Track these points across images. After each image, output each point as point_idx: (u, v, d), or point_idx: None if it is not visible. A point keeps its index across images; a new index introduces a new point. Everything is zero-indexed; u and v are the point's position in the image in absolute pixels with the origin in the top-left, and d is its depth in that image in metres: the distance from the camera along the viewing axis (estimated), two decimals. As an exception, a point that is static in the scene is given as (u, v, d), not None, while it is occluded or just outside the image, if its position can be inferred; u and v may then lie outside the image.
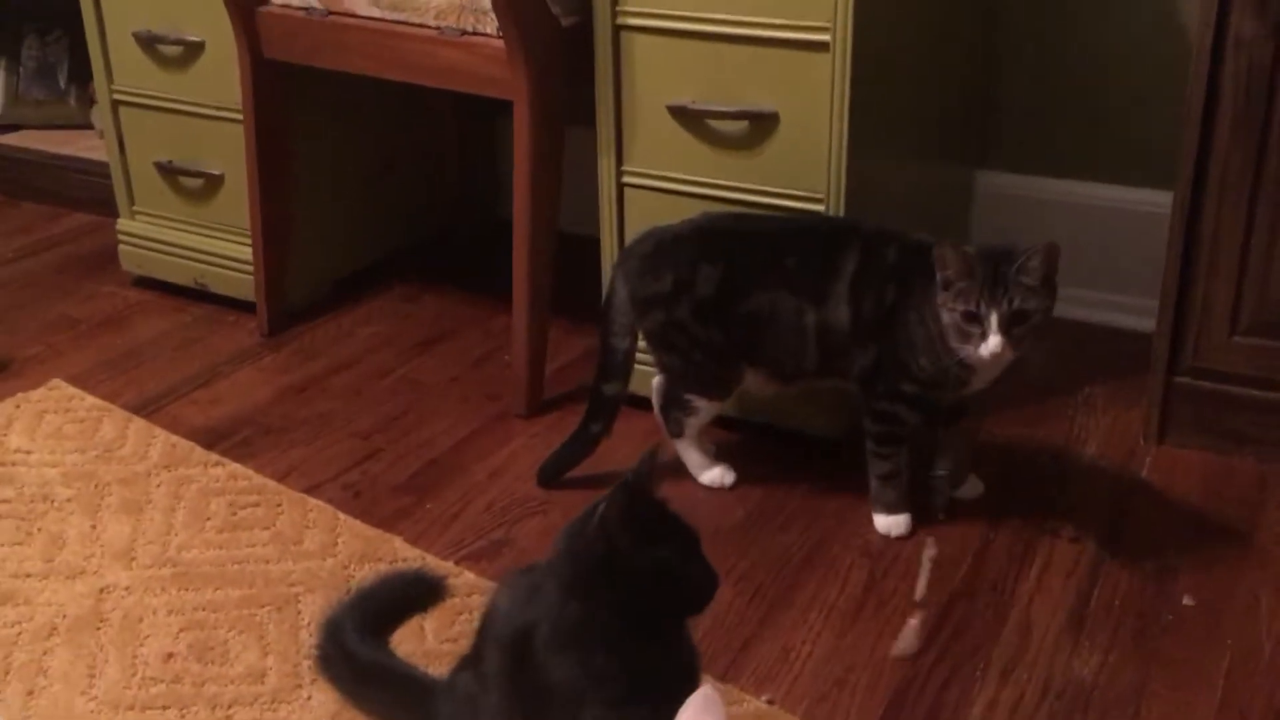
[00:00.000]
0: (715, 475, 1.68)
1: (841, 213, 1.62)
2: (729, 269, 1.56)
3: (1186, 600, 1.43)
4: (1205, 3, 1.51)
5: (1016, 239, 1.46)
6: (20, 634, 1.39)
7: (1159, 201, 1.90)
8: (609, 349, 1.65)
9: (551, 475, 1.68)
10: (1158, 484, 1.66)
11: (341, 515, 1.60)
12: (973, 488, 1.64)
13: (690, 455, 1.68)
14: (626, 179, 1.76)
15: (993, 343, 1.39)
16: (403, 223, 2.38)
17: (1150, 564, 1.50)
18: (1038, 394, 1.89)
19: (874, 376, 1.53)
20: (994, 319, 1.38)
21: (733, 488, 1.68)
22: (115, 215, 2.29)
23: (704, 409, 1.63)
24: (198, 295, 2.22)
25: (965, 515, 1.60)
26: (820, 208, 1.63)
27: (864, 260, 1.51)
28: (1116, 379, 1.90)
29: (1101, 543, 1.55)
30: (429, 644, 1.38)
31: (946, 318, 1.42)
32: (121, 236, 2.28)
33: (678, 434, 1.67)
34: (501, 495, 1.67)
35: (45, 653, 1.36)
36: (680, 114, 1.68)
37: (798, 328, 1.54)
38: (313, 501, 1.63)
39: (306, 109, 2.08)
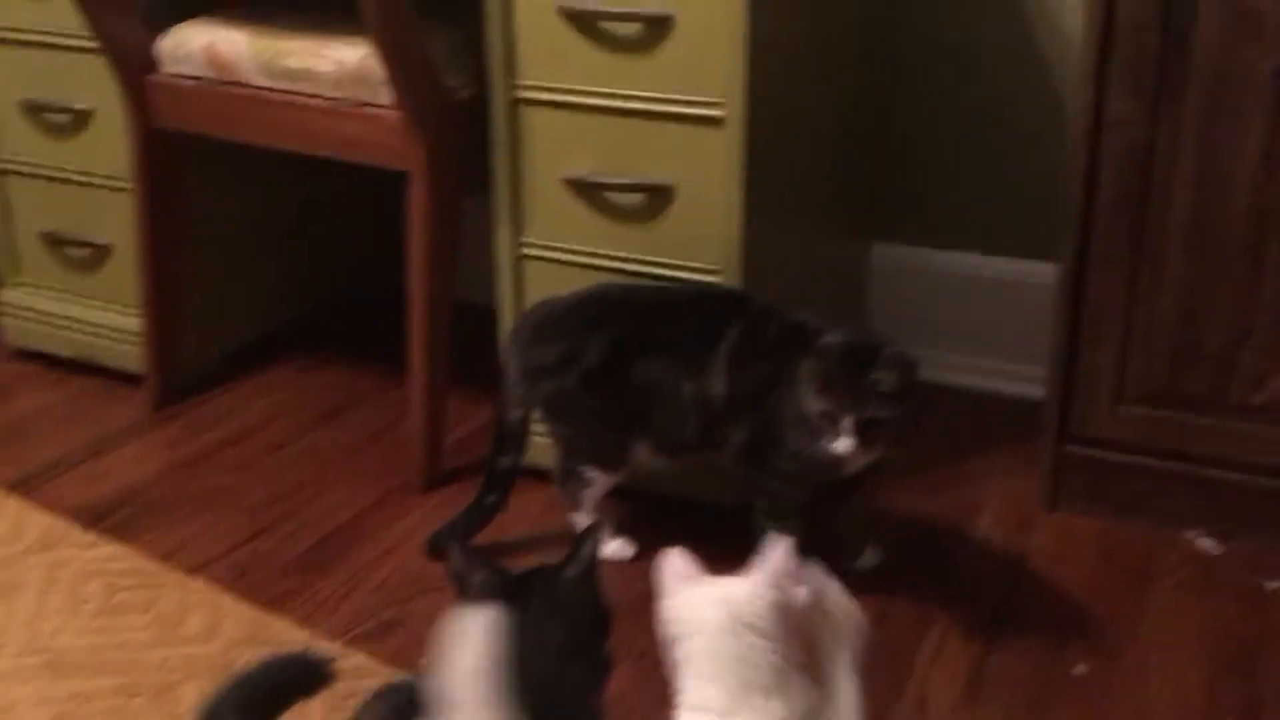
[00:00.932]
0: (614, 548, 1.66)
1: (739, 285, 1.63)
2: (617, 338, 1.56)
3: (1079, 669, 1.44)
4: (1083, 84, 1.56)
5: (886, 332, 1.48)
6: (-127, 730, 1.31)
7: (1047, 273, 1.95)
8: (502, 421, 1.64)
9: (441, 547, 1.65)
10: (1051, 552, 1.68)
11: (226, 597, 1.55)
12: (870, 558, 1.64)
13: None
14: (524, 250, 1.76)
15: (844, 444, 1.40)
16: (302, 291, 2.34)
17: (1044, 633, 1.51)
18: (935, 462, 1.91)
19: (752, 453, 1.54)
20: (847, 422, 1.39)
21: (633, 560, 1.66)
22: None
23: (599, 481, 1.61)
24: (83, 368, 2.16)
25: (862, 586, 1.59)
26: (717, 279, 1.64)
27: (744, 334, 1.52)
28: (1011, 447, 1.93)
29: (997, 612, 1.56)
30: (314, 731, 1.33)
31: (807, 409, 1.43)
32: (3, 307, 2.21)
33: (574, 507, 1.65)
34: (395, 573, 1.63)
35: (-101, 750, 1.29)
36: (577, 186, 1.69)
37: (679, 398, 1.54)
38: (196, 583, 1.58)
39: (201, 176, 2.05)
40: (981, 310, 2.12)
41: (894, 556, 1.66)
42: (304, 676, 1.32)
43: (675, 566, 1.09)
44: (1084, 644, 1.49)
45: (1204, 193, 1.55)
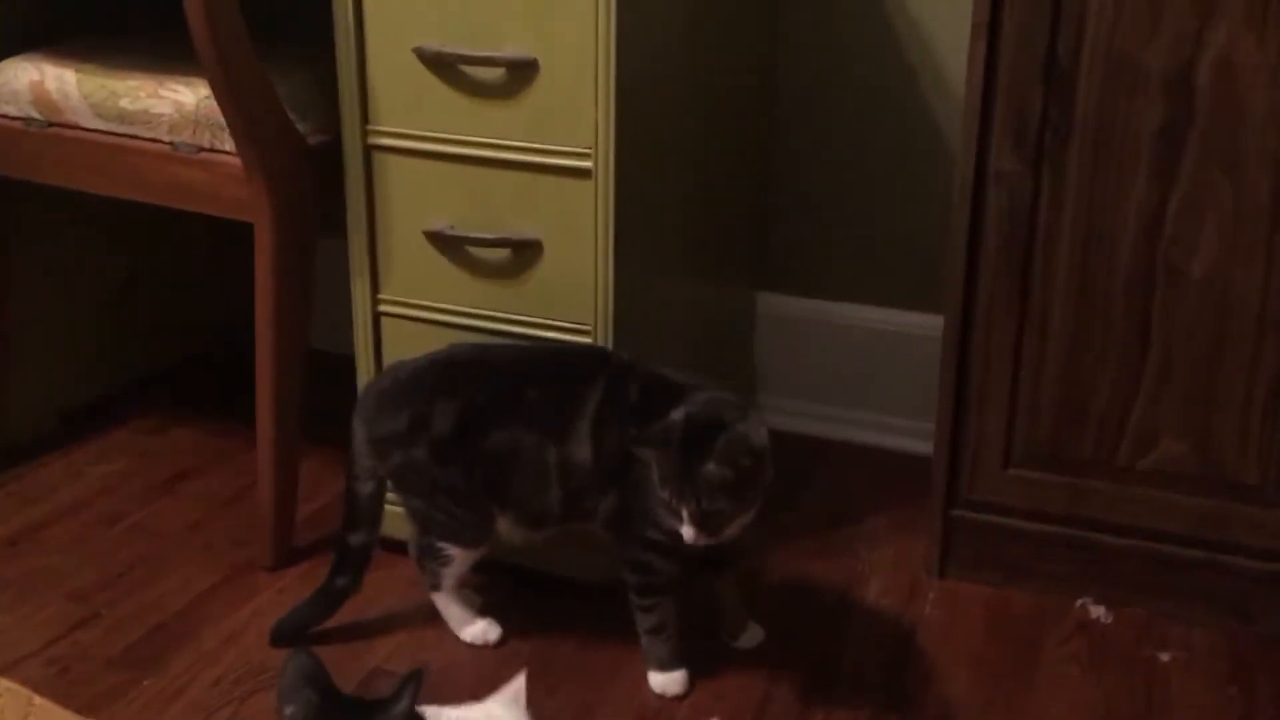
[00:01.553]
0: (478, 631, 1.54)
1: (610, 343, 1.52)
2: (468, 404, 1.44)
3: (969, 756, 1.37)
4: (966, 137, 1.50)
5: (738, 401, 1.40)
6: None
7: (937, 325, 1.89)
8: (352, 495, 1.51)
9: (286, 636, 1.51)
10: (940, 623, 1.60)
11: (37, 700, 1.39)
12: (752, 636, 1.55)
13: (450, 610, 1.54)
14: (382, 307, 1.63)
15: (687, 533, 1.32)
16: (145, 347, 2.17)
17: (931, 710, 1.43)
18: (822, 522, 1.83)
19: (620, 524, 1.44)
20: (685, 513, 1.32)
21: (498, 644, 1.54)
22: None
23: (458, 557, 1.49)
24: (-101, 432, 1.96)
25: (745, 667, 1.50)
26: (587, 338, 1.54)
27: (606, 396, 1.42)
28: (900, 504, 1.86)
29: (884, 693, 1.47)
30: None
31: (658, 493, 1.35)
32: None
33: (435, 586, 1.52)
34: (235, 665, 1.49)
35: None
36: (438, 240, 1.57)
37: (540, 467, 1.43)
38: (3, 683, 1.41)
39: (29, 222, 1.88)
40: (871, 363, 2.05)
41: (777, 632, 1.56)
42: None
43: None
44: (973, 726, 1.41)
45: (1089, 248, 1.50)
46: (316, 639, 1.51)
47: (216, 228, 2.16)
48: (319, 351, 1.77)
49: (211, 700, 1.42)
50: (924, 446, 1.92)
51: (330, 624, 1.53)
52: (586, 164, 1.47)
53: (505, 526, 1.49)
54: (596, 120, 1.45)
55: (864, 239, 2.04)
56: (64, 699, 1.40)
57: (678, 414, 1.35)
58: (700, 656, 1.49)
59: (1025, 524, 1.63)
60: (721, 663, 1.51)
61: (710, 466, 1.29)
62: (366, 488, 1.51)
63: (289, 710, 0.94)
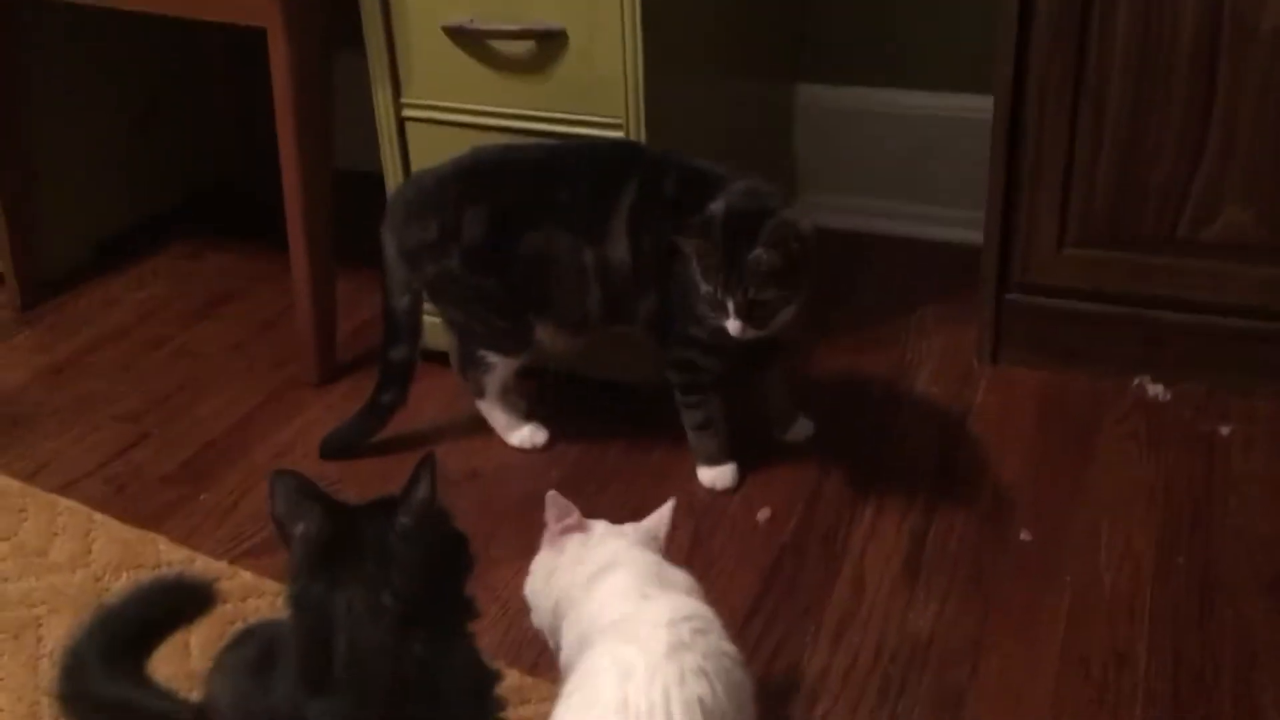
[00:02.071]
0: (524, 435, 1.53)
1: (644, 138, 1.46)
2: (497, 208, 1.39)
3: (1024, 536, 1.35)
4: (1016, -111, 1.39)
5: (778, 191, 1.34)
6: None
7: (984, 106, 1.80)
8: (389, 310, 1.49)
9: (336, 451, 1.52)
10: (993, 409, 1.57)
11: (97, 516, 1.41)
12: (802, 429, 1.53)
13: (495, 416, 1.53)
14: (406, 111, 1.57)
15: (733, 326, 1.28)
16: (177, 174, 2.13)
17: (986, 499, 1.41)
18: (869, 317, 1.78)
19: (662, 322, 1.40)
20: (731, 306, 1.27)
21: (546, 447, 1.54)
22: None
23: (500, 365, 1.47)
24: (-63, 268, 1.96)
25: (795, 460, 1.49)
26: (619, 133, 1.47)
27: (642, 192, 1.36)
28: (950, 296, 1.81)
29: (936, 479, 1.45)
30: (194, 663, 1.20)
31: (701, 288, 1.30)
32: None
33: (479, 394, 1.51)
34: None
35: None
36: (458, 35, 1.50)
37: (577, 268, 1.39)
38: (64, 503, 1.43)
39: (45, 47, 1.83)
40: (918, 151, 1.97)
41: (827, 426, 1.54)
42: (180, 604, 1.20)
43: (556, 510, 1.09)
44: (1028, 509, 1.39)
45: (1149, 8, 1.40)
46: (367, 451, 1.52)
47: (235, 50, 2.11)
48: (347, 171, 1.72)
49: (265, 511, 1.42)
50: (975, 236, 1.85)
51: (379, 437, 1.53)
52: (609, -58, 1.38)
53: (546, 333, 1.46)
54: (618, -108, 1.35)
55: (905, 19, 1.93)
56: (123, 515, 1.42)
57: (717, 205, 1.30)
58: (750, 451, 1.48)
59: (1080, 305, 1.58)
60: (772, 456, 1.50)
61: (758, 252, 1.24)
62: (403, 301, 1.48)
63: (300, 528, 0.92)
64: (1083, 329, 1.59)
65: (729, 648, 0.95)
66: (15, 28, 1.76)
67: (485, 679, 0.95)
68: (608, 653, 0.92)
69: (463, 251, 1.40)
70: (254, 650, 0.96)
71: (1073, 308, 1.58)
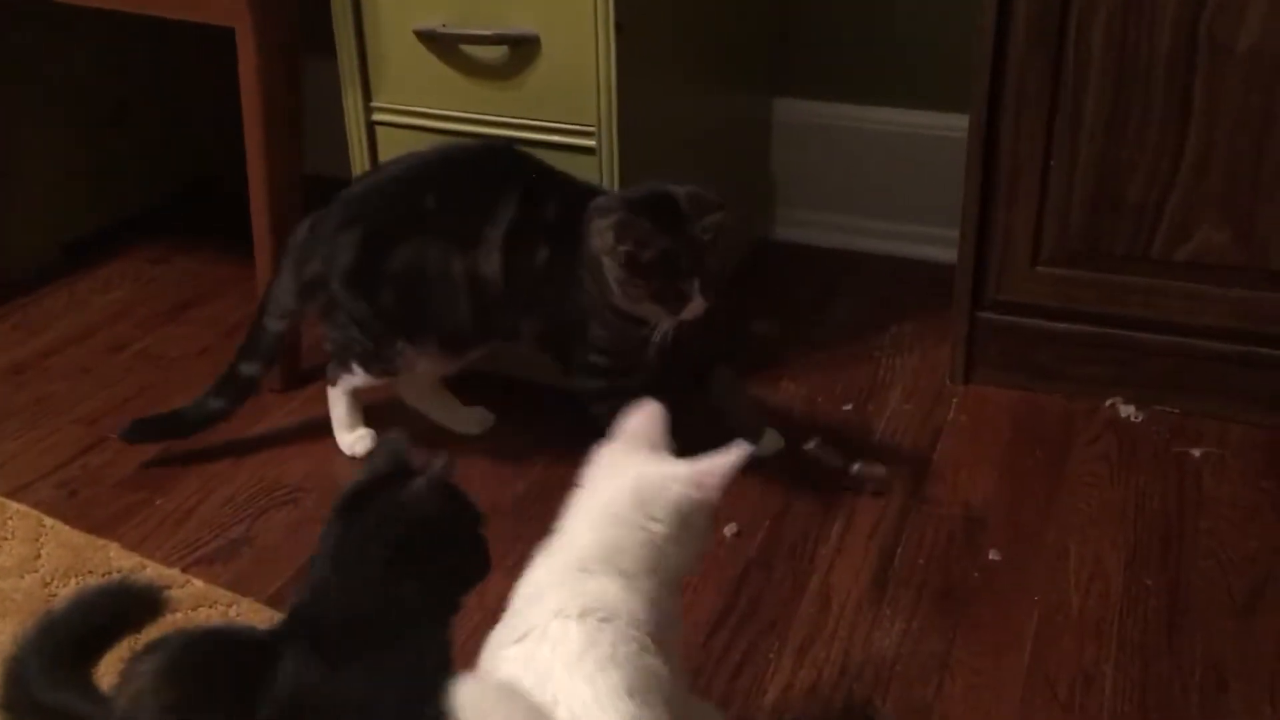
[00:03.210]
0: (350, 440, 1.51)
1: (616, 149, 1.45)
2: (366, 229, 1.38)
3: (993, 555, 1.33)
4: (994, -97, 1.38)
5: (654, 185, 1.33)
6: None
7: (960, 125, 1.79)
8: (259, 327, 1.49)
9: (139, 436, 1.49)
10: (965, 427, 1.56)
11: (48, 521, 1.37)
12: (770, 443, 1.51)
13: (336, 410, 1.52)
14: (376, 115, 1.56)
15: (696, 305, 1.28)
16: (143, 178, 2.10)
17: (956, 517, 1.39)
18: (843, 335, 1.77)
19: (556, 348, 1.39)
20: (696, 284, 1.27)
21: (513, 457, 1.51)
22: None
23: (360, 377, 1.47)
24: (-102, 267, 1.93)
25: (763, 476, 1.47)
26: (591, 142, 1.46)
27: (524, 209, 1.35)
28: (924, 314, 1.80)
29: (906, 496, 1.43)
30: (142, 670, 1.17)
31: (633, 292, 1.28)
32: None
33: (332, 382, 1.51)
34: (247, 484, 1.47)
35: None
36: (430, 40, 1.48)
37: (446, 276, 1.36)
38: (14, 506, 1.40)
39: (15, 43, 1.80)
40: (895, 169, 1.96)
41: (798, 442, 1.52)
42: (125, 609, 1.17)
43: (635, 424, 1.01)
44: (998, 528, 1.37)
45: (1126, 23, 1.39)
46: (326, 465, 1.49)
47: (208, 53, 2.08)
48: (316, 176, 1.70)
49: (223, 518, 1.41)
50: (950, 254, 1.85)
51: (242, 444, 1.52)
52: (584, -53, 1.37)
53: (425, 356, 1.44)
54: (592, -103, 1.34)
55: (884, 35, 1.92)
56: (75, 520, 1.39)
57: (611, 201, 1.30)
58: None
59: (1054, 324, 1.57)
60: (740, 472, 1.47)
61: (716, 216, 1.26)
62: (278, 325, 1.49)
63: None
64: (1056, 348, 1.58)
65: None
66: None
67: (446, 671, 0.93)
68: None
69: (340, 277, 1.39)
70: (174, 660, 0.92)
71: (1046, 327, 1.57)
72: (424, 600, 0.94)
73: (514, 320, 1.38)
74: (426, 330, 1.41)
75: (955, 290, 1.59)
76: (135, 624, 1.19)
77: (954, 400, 1.61)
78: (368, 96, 1.54)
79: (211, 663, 0.89)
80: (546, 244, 1.34)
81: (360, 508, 0.94)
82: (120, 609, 1.17)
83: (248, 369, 1.49)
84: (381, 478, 0.95)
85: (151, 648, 0.90)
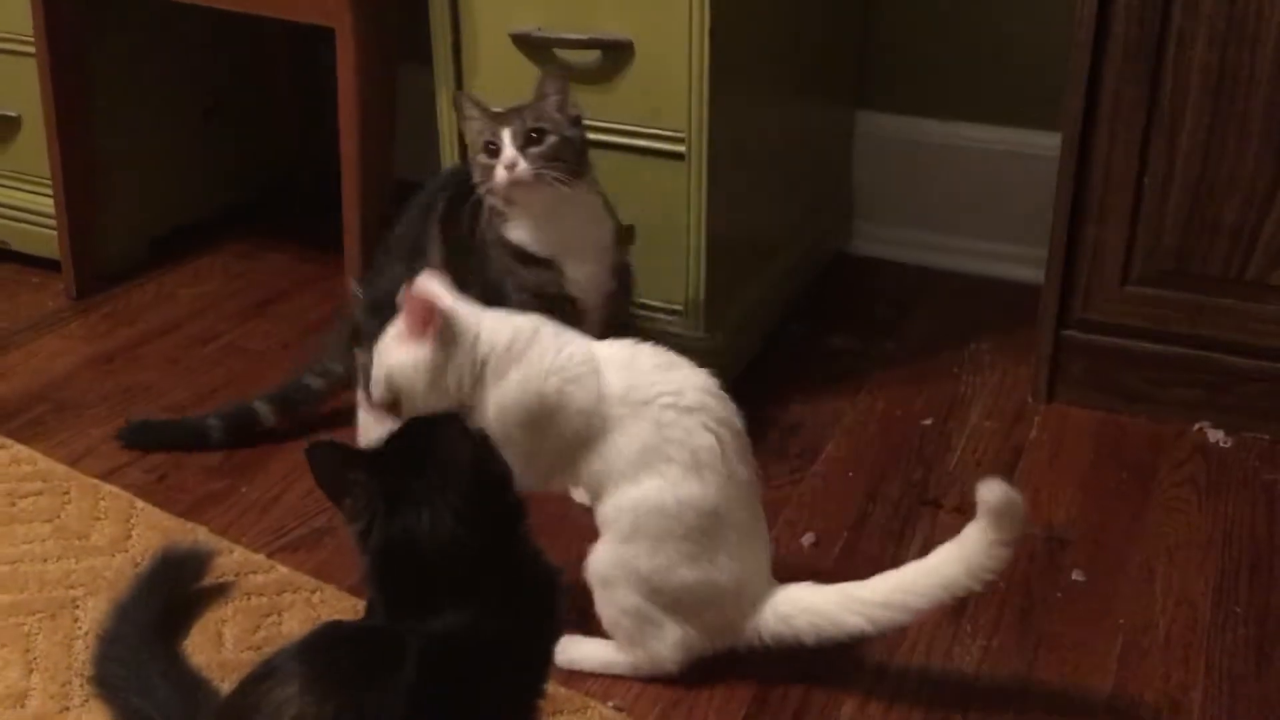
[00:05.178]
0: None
1: (705, 152, 1.45)
2: (375, 271, 1.46)
3: (1076, 575, 1.31)
4: (1095, -82, 1.37)
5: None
6: None
7: (1048, 144, 1.78)
8: (298, 384, 1.56)
9: (136, 440, 1.52)
10: (1047, 446, 1.54)
11: (139, 503, 1.40)
12: None
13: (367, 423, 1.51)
14: (468, 117, 1.57)
15: (506, 156, 1.29)
16: (234, 173, 2.15)
17: (1038, 536, 1.38)
18: (922, 351, 1.76)
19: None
20: (506, 135, 1.29)
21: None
22: (-98, 164, 2.03)
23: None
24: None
25: (842, 487, 1.46)
26: (680, 148, 1.47)
27: (452, 198, 1.41)
28: (1005, 332, 1.78)
29: (987, 513, 1.42)
30: (227, 653, 1.19)
31: (475, 165, 1.33)
32: (-92, 188, 2.02)
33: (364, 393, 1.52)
34: (329, 475, 1.48)
35: None
36: (525, 43, 1.50)
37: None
38: (107, 488, 1.43)
39: (114, 42, 1.85)
40: (978, 185, 1.95)
41: (876, 453, 1.52)
42: (180, 576, 1.21)
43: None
44: (1081, 549, 1.36)
45: (1227, 43, 1.37)
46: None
47: (297, 53, 2.12)
48: (406, 182, 1.72)
49: (306, 507, 1.43)
50: (1031, 273, 1.84)
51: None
52: (681, -45, 1.38)
53: None
54: (692, -94, 1.35)
55: (970, 52, 1.91)
56: (164, 504, 1.41)
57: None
58: (798, 474, 1.45)
59: (1142, 345, 1.54)
60: (818, 481, 1.47)
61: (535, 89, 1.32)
62: (315, 382, 1.55)
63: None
64: (1143, 370, 1.56)
65: None
66: (85, 22, 1.78)
67: (553, 571, 0.97)
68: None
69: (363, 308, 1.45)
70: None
71: (1133, 347, 1.55)
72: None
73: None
74: None
75: (1040, 307, 1.58)
76: (191, 585, 1.22)
77: (1036, 419, 1.59)
78: (460, 98, 1.57)
79: (352, 668, 0.87)
80: (469, 211, 1.39)
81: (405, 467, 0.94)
82: (175, 576, 1.20)
83: (261, 407, 1.54)
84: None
85: (280, 664, 0.88)
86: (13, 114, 1.88)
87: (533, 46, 1.50)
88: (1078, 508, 1.42)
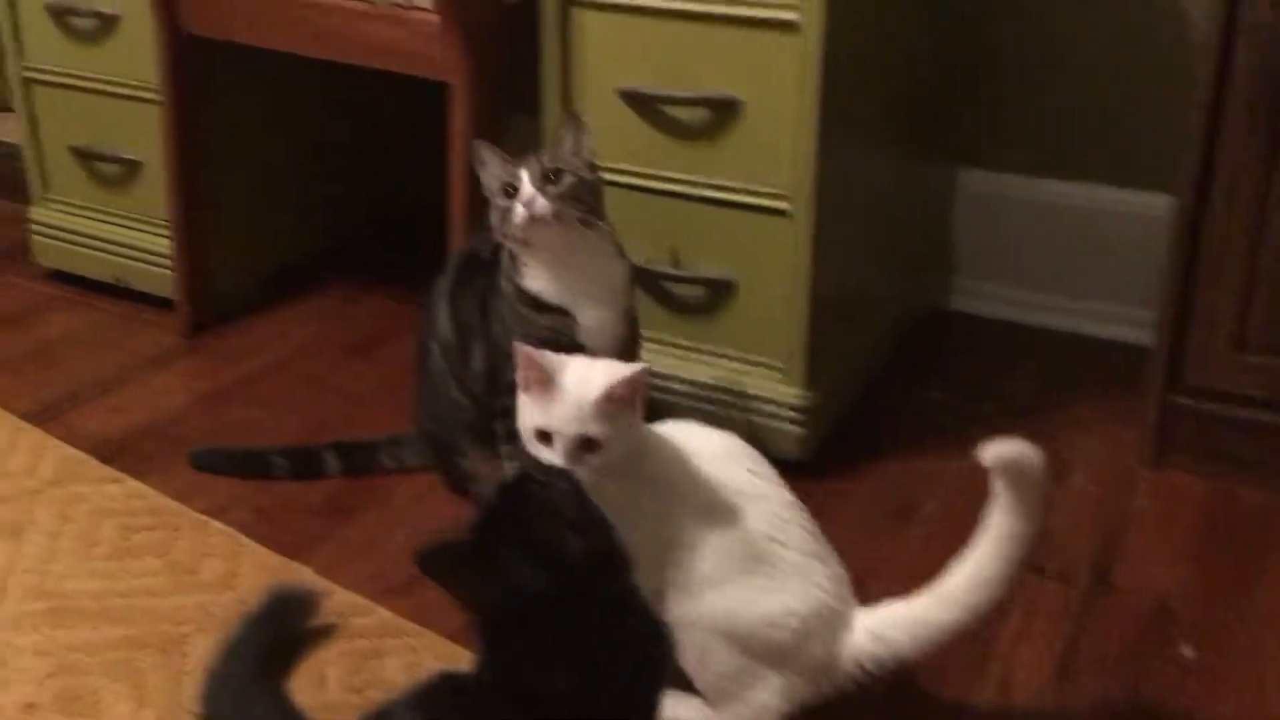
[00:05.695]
0: None
1: (808, 210, 1.46)
2: None
3: (1186, 651, 1.28)
4: (1215, -16, 1.36)
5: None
6: None
7: (1156, 205, 1.75)
8: (372, 453, 1.60)
9: (206, 464, 1.58)
10: (1154, 515, 1.50)
11: (245, 541, 1.44)
12: None
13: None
14: (574, 171, 1.60)
15: (525, 193, 1.29)
16: (343, 216, 2.21)
17: (1145, 609, 1.34)
18: (1023, 412, 1.73)
19: (492, 377, 1.41)
20: (524, 175, 1.30)
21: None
22: (30, 203, 2.12)
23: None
24: (115, 291, 2.05)
25: (938, 546, 1.44)
26: (785, 205, 1.47)
27: (461, 267, 1.46)
28: (1109, 397, 1.75)
29: (1092, 582, 1.39)
30: (331, 694, 1.21)
31: (494, 210, 1.34)
32: (34, 226, 2.11)
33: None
34: (427, 522, 1.50)
35: (-112, 702, 1.19)
36: (634, 100, 1.52)
37: (436, 369, 1.46)
38: (215, 525, 1.47)
39: (232, 90, 1.92)
40: (1081, 245, 1.92)
41: (975, 514, 1.49)
42: (288, 617, 1.22)
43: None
44: (1191, 623, 1.32)
45: (1353, 110, 1.35)
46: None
47: (402, 94, 2.17)
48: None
49: (406, 551, 1.43)
50: (1135, 334, 1.81)
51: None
52: (793, 16, 1.39)
53: (475, 462, 1.48)
54: (805, -33, 1.36)
55: (1074, 109, 1.89)
56: (268, 543, 1.44)
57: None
58: (885, 535, 1.44)
59: (1256, 413, 1.50)
60: (911, 542, 1.45)
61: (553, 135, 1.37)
62: (387, 461, 1.61)
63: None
64: (1256, 438, 1.52)
65: None
66: (206, 72, 1.84)
67: (660, 626, 0.97)
68: None
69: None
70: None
71: (1247, 416, 1.51)
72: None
73: (470, 371, 1.43)
74: (460, 436, 1.47)
75: (1148, 372, 1.55)
76: (300, 627, 1.24)
77: (1142, 486, 1.55)
78: (568, 152, 1.59)
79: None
80: (480, 279, 1.42)
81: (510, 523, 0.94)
82: (283, 617, 1.22)
83: (329, 456, 1.59)
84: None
85: (396, 711, 0.90)
86: (135, 158, 1.95)
87: (641, 103, 1.52)
88: (1187, 580, 1.39)
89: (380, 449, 1.60)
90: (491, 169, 1.35)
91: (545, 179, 1.31)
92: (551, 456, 1.10)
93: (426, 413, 1.51)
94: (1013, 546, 1.11)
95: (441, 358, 1.46)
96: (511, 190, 1.32)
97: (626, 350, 1.40)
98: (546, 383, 1.10)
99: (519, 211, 1.30)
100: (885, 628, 1.13)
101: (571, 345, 1.33)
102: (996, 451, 1.07)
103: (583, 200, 1.32)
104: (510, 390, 1.21)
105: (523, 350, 1.11)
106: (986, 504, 1.49)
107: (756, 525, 1.12)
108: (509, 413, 1.25)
